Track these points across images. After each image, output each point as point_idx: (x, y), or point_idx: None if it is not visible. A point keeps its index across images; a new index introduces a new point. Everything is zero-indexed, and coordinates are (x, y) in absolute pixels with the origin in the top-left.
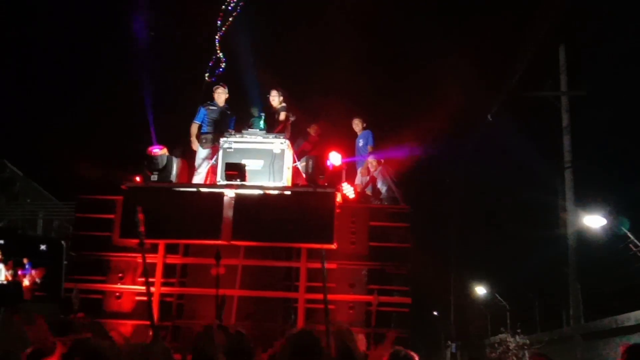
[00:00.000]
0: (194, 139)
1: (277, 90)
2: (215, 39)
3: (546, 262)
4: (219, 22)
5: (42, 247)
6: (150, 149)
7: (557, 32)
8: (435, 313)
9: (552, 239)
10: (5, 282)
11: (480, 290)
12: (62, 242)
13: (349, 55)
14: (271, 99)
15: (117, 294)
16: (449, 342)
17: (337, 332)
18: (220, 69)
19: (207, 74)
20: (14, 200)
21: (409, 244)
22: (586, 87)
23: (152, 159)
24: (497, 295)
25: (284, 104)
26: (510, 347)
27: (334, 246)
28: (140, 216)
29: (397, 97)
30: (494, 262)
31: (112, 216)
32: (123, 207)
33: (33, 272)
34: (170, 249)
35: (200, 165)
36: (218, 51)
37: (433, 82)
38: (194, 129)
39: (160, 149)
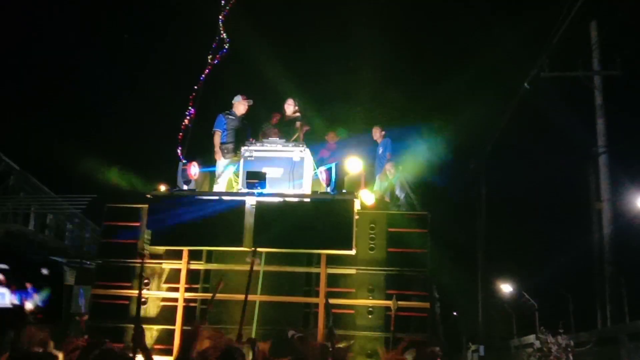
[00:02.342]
0: (218, 149)
1: (294, 99)
2: (219, 19)
3: (577, 257)
4: (222, 2)
5: (44, 271)
6: (189, 169)
7: (589, 8)
8: (454, 314)
9: (584, 231)
10: (9, 306)
11: (507, 288)
12: (65, 267)
13: (374, 52)
14: (286, 107)
15: (143, 299)
16: (470, 344)
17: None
18: (224, 50)
19: (209, 56)
20: (8, 193)
21: (427, 250)
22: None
23: (186, 175)
24: (525, 294)
25: (298, 114)
26: (553, 350)
27: (353, 252)
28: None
29: (426, 78)
30: (521, 258)
31: (137, 224)
32: (148, 216)
33: (35, 296)
34: (194, 256)
35: (220, 175)
36: (222, 32)
37: (460, 63)
38: (218, 138)
39: (195, 166)
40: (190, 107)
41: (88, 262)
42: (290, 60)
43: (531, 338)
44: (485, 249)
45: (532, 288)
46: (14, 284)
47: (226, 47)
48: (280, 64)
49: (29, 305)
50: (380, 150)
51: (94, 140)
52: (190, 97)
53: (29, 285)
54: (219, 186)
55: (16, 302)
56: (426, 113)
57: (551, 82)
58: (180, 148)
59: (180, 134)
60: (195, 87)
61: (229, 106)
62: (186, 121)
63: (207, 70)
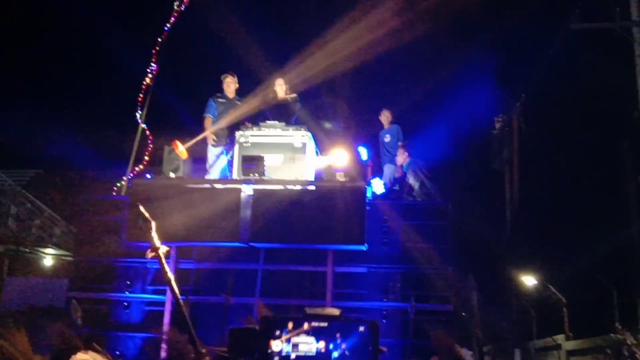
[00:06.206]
0: (209, 134)
1: (284, 78)
2: None
3: (613, 245)
4: None
5: None
6: (176, 142)
7: None
8: (463, 314)
9: (619, 214)
10: None
11: (529, 280)
12: None
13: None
14: (277, 87)
15: (125, 303)
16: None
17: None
18: None
19: (176, 2)
20: None
21: (448, 244)
22: None
23: (173, 156)
24: (551, 286)
25: (295, 95)
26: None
27: (364, 247)
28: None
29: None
30: (544, 246)
31: (119, 218)
32: (130, 208)
33: None
34: (183, 254)
35: (212, 164)
36: None
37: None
38: (208, 123)
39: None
40: (152, 64)
41: (27, 251)
42: (278, 13)
43: (560, 338)
44: (511, 232)
45: (556, 281)
46: None
47: None
48: (265, 14)
49: None
50: (388, 137)
51: (38, 104)
52: (154, 51)
53: None
54: (211, 176)
55: None
56: (440, 82)
57: (583, 35)
58: (139, 112)
59: (141, 95)
60: (159, 39)
61: (201, 62)
62: (147, 80)
63: (172, 19)
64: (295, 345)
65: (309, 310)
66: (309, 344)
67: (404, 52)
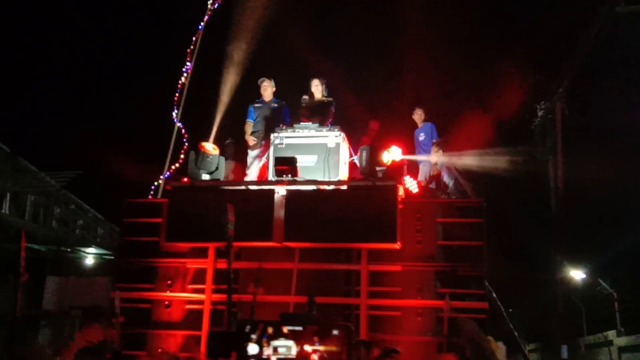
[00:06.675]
0: (248, 137)
1: (319, 79)
2: None
3: None
4: None
5: None
6: (202, 143)
7: None
8: (509, 310)
9: None
10: None
11: (578, 274)
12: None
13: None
14: (314, 88)
15: (166, 302)
16: (527, 344)
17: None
18: None
19: (209, 0)
20: None
21: (483, 242)
22: None
23: (205, 156)
24: (601, 281)
25: (330, 98)
26: None
27: (397, 246)
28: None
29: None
30: (594, 237)
31: (159, 220)
32: (169, 210)
33: None
34: (221, 254)
35: (251, 165)
36: None
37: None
38: (248, 127)
39: (213, 147)
40: (187, 63)
41: (69, 250)
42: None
43: (611, 334)
44: (556, 224)
45: (606, 275)
46: None
47: None
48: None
49: None
50: (422, 136)
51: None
52: (188, 50)
53: None
54: (249, 178)
55: None
56: (476, 72)
57: (630, 19)
58: (175, 111)
59: (177, 94)
60: (194, 38)
61: (235, 61)
62: (183, 79)
63: (206, 18)
64: (274, 349)
65: (285, 315)
66: (288, 347)
67: (438, 43)
